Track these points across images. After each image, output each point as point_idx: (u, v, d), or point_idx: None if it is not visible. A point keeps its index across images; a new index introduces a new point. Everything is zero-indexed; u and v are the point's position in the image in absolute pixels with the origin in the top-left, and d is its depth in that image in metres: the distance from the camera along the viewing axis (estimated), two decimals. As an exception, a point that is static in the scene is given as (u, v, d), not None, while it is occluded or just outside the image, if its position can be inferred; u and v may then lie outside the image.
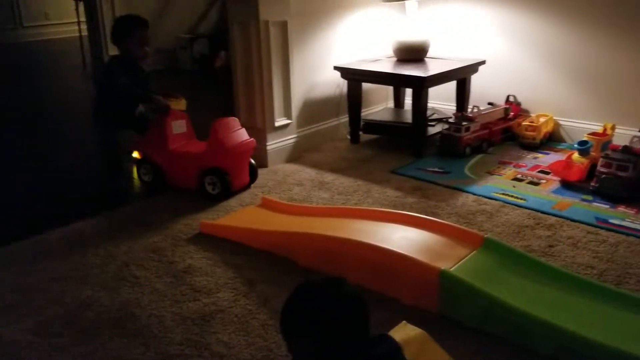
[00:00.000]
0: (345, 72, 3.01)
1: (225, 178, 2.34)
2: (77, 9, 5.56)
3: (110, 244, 2.04)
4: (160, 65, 5.38)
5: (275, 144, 2.80)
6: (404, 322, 1.19)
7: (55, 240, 2.08)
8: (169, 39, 5.45)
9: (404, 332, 1.17)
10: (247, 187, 2.48)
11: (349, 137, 3.11)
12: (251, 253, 1.93)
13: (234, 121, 2.44)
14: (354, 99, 3.04)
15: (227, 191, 2.36)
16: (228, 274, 1.82)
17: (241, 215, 2.22)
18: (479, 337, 1.47)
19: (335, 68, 3.02)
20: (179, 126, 2.50)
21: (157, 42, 5.53)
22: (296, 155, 2.88)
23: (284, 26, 2.69)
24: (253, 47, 2.65)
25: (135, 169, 2.59)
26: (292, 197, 2.41)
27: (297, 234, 1.90)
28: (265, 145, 2.75)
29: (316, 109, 3.04)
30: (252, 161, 2.49)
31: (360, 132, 3.09)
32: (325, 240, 1.81)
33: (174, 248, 2.00)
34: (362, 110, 3.12)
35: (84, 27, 5.51)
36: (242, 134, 2.42)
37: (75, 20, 5.67)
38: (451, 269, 1.56)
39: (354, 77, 3.00)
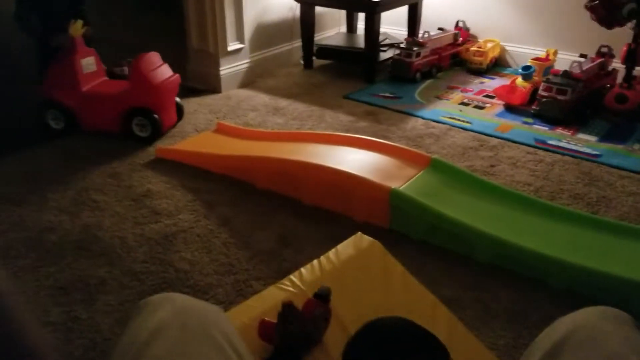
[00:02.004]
0: (297, -5, 2.97)
1: (154, 118, 2.19)
2: None
3: (66, 170, 2.04)
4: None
5: (228, 69, 2.78)
6: (360, 233, 1.28)
7: (10, 167, 2.06)
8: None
9: (359, 242, 1.26)
10: (174, 126, 2.37)
11: (302, 62, 3.12)
12: (209, 177, 1.98)
13: (156, 56, 2.26)
14: (307, 23, 3.02)
15: (158, 132, 2.22)
16: (187, 197, 1.87)
17: (197, 140, 2.24)
18: (425, 248, 1.60)
19: (288, -9, 2.97)
20: (88, 64, 2.27)
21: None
22: (250, 80, 2.88)
23: (235, -55, 2.61)
24: (203, -33, 2.57)
25: (40, 115, 2.30)
26: (247, 122, 2.43)
27: (254, 157, 1.95)
28: (219, 70, 2.73)
29: (269, 34, 3.00)
30: (178, 99, 2.38)
31: (314, 58, 3.10)
32: (282, 163, 1.87)
33: (132, 173, 2.02)
34: (315, 34, 3.11)
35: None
36: (166, 70, 2.26)
37: None
38: (401, 188, 1.66)
39: (307, 0, 2.97)
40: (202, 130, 2.35)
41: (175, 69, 2.30)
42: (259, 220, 1.74)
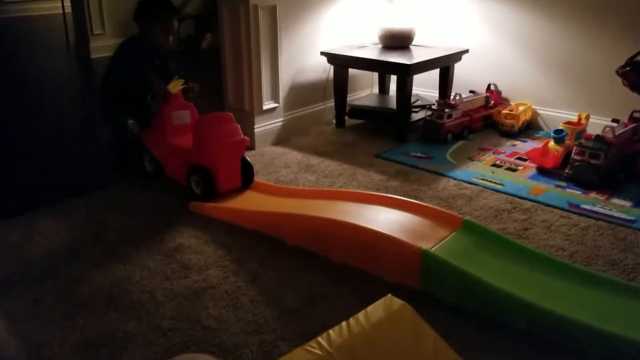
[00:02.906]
0: (331, 57, 3.06)
1: (208, 178, 2.17)
2: (61, -15, 5.50)
3: (101, 222, 2.09)
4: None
5: (263, 127, 2.85)
6: (390, 295, 1.26)
7: (47, 218, 2.12)
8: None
9: (389, 304, 1.24)
10: (239, 189, 2.28)
11: (334, 121, 3.18)
12: (240, 233, 2.00)
13: (225, 116, 2.24)
14: (340, 84, 3.10)
15: (210, 192, 2.18)
16: (218, 252, 1.89)
17: (230, 196, 2.27)
18: (457, 313, 1.56)
19: (322, 53, 3.07)
20: (180, 117, 2.34)
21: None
22: (283, 138, 2.94)
23: (273, 11, 2.73)
24: (242, 30, 2.68)
25: (139, 158, 2.46)
26: (279, 179, 2.47)
27: (285, 214, 1.97)
28: (253, 128, 2.81)
29: (303, 93, 3.09)
30: (248, 159, 2.29)
31: (346, 117, 3.16)
32: (312, 220, 1.88)
33: (165, 227, 2.05)
34: (348, 95, 3.18)
35: (67, 4, 5.43)
36: (234, 131, 2.21)
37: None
38: (432, 249, 1.64)
39: (340, 62, 3.06)
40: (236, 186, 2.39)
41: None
42: (288, 278, 1.74)
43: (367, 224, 1.78)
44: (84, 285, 1.71)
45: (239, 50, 2.72)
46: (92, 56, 4.98)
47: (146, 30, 2.31)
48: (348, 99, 3.19)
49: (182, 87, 2.34)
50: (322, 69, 3.15)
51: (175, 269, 1.79)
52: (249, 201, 2.19)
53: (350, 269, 1.77)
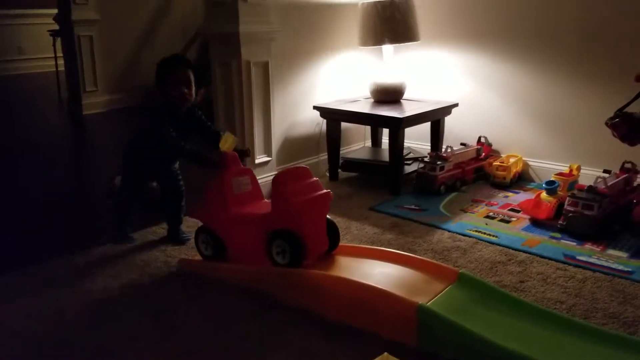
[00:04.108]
0: (324, 111, 3.11)
1: (296, 243, 1.83)
2: (54, 45, 5.61)
3: (87, 281, 2.04)
4: (139, 101, 5.43)
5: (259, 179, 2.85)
6: (386, 353, 1.23)
7: (30, 277, 2.07)
8: (150, 75, 5.51)
9: (385, 363, 1.21)
10: (326, 253, 1.98)
11: (328, 174, 3.19)
12: (230, 290, 1.95)
13: (304, 170, 1.95)
14: (333, 138, 3.13)
15: (300, 258, 1.85)
16: (206, 311, 1.84)
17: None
18: (455, 369, 1.52)
19: (315, 108, 3.12)
20: (241, 184, 2.03)
21: (137, 78, 5.61)
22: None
23: (265, 66, 2.79)
24: (234, 86, 2.72)
25: (194, 241, 2.15)
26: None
27: (276, 270, 1.93)
28: (246, 182, 2.80)
29: (296, 147, 3.11)
30: (331, 220, 1.99)
31: (339, 170, 3.17)
32: (304, 276, 1.85)
33: (152, 285, 2.01)
34: (341, 148, 3.21)
35: (60, 61, 5.53)
36: (316, 185, 1.93)
37: (51, 55, 5.70)
38: (428, 304, 1.61)
39: (333, 116, 3.10)
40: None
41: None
42: (281, 337, 1.69)
43: (361, 278, 1.75)
44: (68, 347, 1.66)
45: (231, 105, 2.76)
46: (85, 112, 5.03)
47: (163, 91, 2.16)
48: (341, 152, 3.21)
49: (235, 143, 2.09)
50: (315, 122, 3.19)
51: (164, 330, 1.74)
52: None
53: (345, 326, 1.72)
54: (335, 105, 3.11)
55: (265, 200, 2.08)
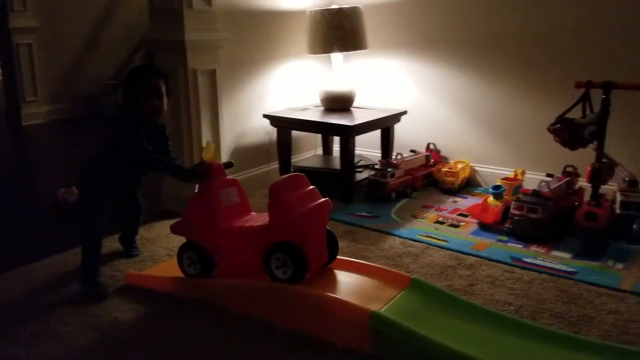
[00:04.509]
0: (274, 120, 3.09)
1: (298, 256, 1.73)
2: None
3: (29, 299, 1.94)
4: (83, 112, 5.26)
5: (205, 190, 2.80)
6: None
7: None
8: (93, 85, 5.35)
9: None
10: (325, 266, 1.90)
11: (278, 183, 3.16)
12: (182, 304, 1.90)
13: (300, 178, 1.86)
14: (283, 146, 3.11)
15: (302, 273, 1.75)
16: (157, 326, 1.78)
17: (171, 265, 2.18)
18: (409, 375, 1.52)
19: (265, 116, 3.09)
20: (229, 196, 1.91)
21: (80, 88, 5.44)
22: (226, 201, 2.89)
23: (212, 74, 2.74)
24: (181, 95, 2.66)
25: (177, 259, 1.99)
26: (223, 243, 2.40)
27: (228, 281, 1.89)
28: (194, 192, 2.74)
29: (246, 156, 3.08)
30: (330, 231, 1.92)
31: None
32: (257, 286, 1.82)
33: (98, 301, 1.93)
34: (292, 157, 3.19)
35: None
36: (314, 194, 1.84)
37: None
38: (381, 310, 1.61)
39: (283, 125, 3.08)
40: (176, 254, 2.30)
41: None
42: (234, 350, 1.66)
43: (314, 287, 1.74)
44: (9, 368, 1.57)
45: (178, 114, 2.69)
46: (24, 123, 4.83)
47: (132, 103, 1.98)
48: (292, 160, 3.20)
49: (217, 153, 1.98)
50: (265, 131, 3.16)
51: (111, 347, 1.67)
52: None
53: (300, 336, 1.70)
54: (285, 114, 3.09)
55: (254, 212, 1.98)
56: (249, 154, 3.10)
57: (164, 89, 2.03)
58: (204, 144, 2.72)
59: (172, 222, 2.59)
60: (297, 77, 3.40)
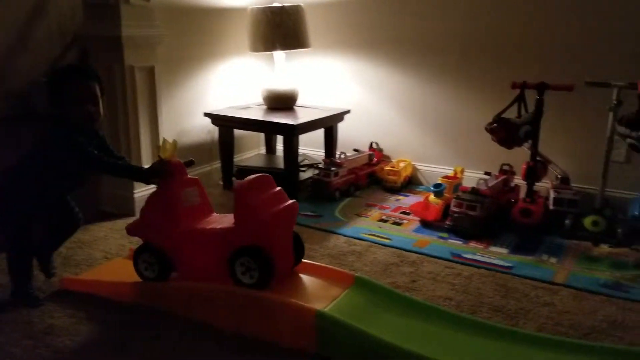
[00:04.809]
0: (216, 118, 3.03)
1: (265, 260, 1.67)
2: None
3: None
4: (10, 111, 4.99)
5: (144, 191, 2.71)
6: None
7: None
8: (23, 82, 5.09)
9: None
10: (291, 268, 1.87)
11: (222, 183, 3.11)
12: (121, 308, 1.83)
13: (267, 178, 1.78)
14: (225, 146, 3.06)
15: (269, 277, 1.68)
16: (95, 332, 1.71)
17: (108, 268, 2.10)
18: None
19: (206, 115, 3.03)
20: (191, 196, 1.83)
21: (8, 86, 5.16)
22: (167, 202, 2.82)
23: (151, 71, 2.66)
24: (117, 92, 2.57)
25: (133, 262, 1.87)
26: (164, 245, 2.33)
27: (169, 283, 1.84)
28: (133, 193, 2.66)
29: (188, 155, 2.95)
30: (295, 232, 1.87)
31: (234, 178, 3.11)
32: (199, 288, 1.77)
33: (32, 307, 1.83)
34: (235, 156, 3.15)
35: None
36: (281, 196, 1.78)
37: None
38: (326, 309, 1.61)
39: (225, 123, 3.03)
40: (114, 257, 2.22)
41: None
42: (178, 355, 1.61)
43: (257, 288, 1.71)
44: None
45: (115, 112, 2.60)
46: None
47: (61, 111, 1.77)
48: (235, 160, 3.15)
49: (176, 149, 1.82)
50: (206, 130, 3.10)
51: (46, 355, 1.59)
52: (131, 272, 2.02)
53: (243, 337, 1.67)
54: (227, 112, 3.04)
55: (215, 213, 1.90)
56: (190, 154, 2.99)
57: (98, 92, 1.82)
58: (142, 143, 2.65)
59: (109, 223, 2.54)
60: (239, 75, 3.35)
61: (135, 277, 1.92)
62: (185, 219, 1.79)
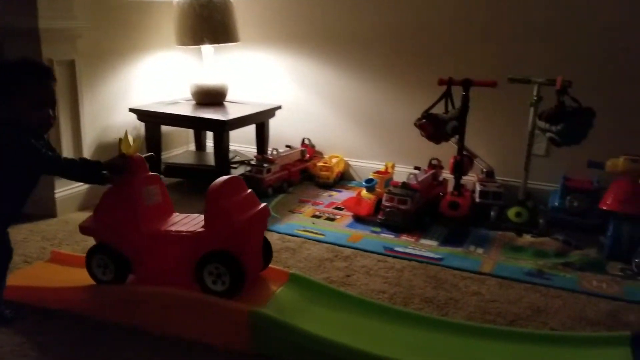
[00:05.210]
0: (142, 114, 2.92)
1: (236, 267, 1.58)
2: None
3: None
4: None
5: (65, 191, 2.58)
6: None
7: None
8: None
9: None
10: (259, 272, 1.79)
11: (149, 181, 3.00)
12: (43, 314, 1.73)
13: (238, 180, 1.71)
14: (153, 142, 2.95)
15: (240, 285, 1.60)
16: (14, 340, 1.60)
17: (28, 273, 1.98)
18: (290, 371, 1.52)
19: (131, 110, 2.92)
20: (152, 194, 1.71)
21: None
22: (90, 202, 2.68)
23: (71, 65, 2.53)
24: (36, 87, 2.43)
25: (86, 264, 1.73)
26: (87, 248, 2.22)
27: (93, 287, 1.75)
28: (53, 192, 2.52)
29: (112, 153, 2.85)
30: (265, 237, 1.81)
31: (162, 176, 3.00)
32: (126, 291, 1.70)
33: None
34: (163, 153, 3.05)
35: None
36: (253, 199, 1.71)
37: None
38: (260, 308, 1.58)
39: (152, 119, 2.93)
40: (34, 260, 2.09)
41: None
42: (103, 360, 1.54)
43: (187, 289, 1.66)
44: None
45: (34, 107, 2.45)
46: None
47: (12, 112, 1.53)
48: (163, 156, 3.05)
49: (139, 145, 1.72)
50: (132, 126, 2.98)
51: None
52: (53, 276, 1.92)
53: (175, 340, 1.62)
54: (154, 108, 2.94)
55: (176, 213, 1.80)
56: (115, 151, 2.89)
57: (53, 91, 1.61)
58: (63, 141, 2.51)
59: (29, 225, 2.39)
60: (166, 70, 3.25)
61: (57, 282, 1.82)
62: (147, 219, 1.68)
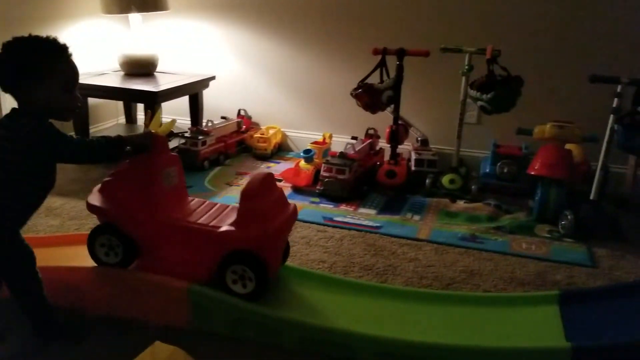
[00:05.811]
0: (67, 86, 2.76)
1: (261, 269, 1.49)
2: None
3: None
4: None
5: None
6: (157, 342, 1.15)
7: None
8: None
9: (159, 352, 1.12)
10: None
11: (77, 156, 2.86)
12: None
13: (270, 177, 1.57)
14: (79, 116, 2.81)
15: (263, 287, 1.51)
16: None
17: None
18: (232, 343, 1.50)
19: (55, 82, 2.76)
20: (170, 176, 1.58)
21: None
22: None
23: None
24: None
25: (88, 244, 1.60)
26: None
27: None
28: None
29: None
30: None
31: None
32: (62, 272, 1.62)
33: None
34: (90, 127, 2.91)
35: None
36: (283, 199, 1.60)
37: None
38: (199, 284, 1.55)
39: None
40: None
41: None
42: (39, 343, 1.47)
43: (125, 267, 1.61)
44: None
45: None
46: None
47: (37, 96, 1.40)
48: (91, 131, 2.92)
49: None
50: (56, 99, 2.82)
51: None
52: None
53: (111, 319, 1.57)
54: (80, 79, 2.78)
55: (191, 197, 1.68)
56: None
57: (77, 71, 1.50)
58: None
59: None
60: (92, 39, 3.08)
61: None
62: (164, 204, 1.56)
